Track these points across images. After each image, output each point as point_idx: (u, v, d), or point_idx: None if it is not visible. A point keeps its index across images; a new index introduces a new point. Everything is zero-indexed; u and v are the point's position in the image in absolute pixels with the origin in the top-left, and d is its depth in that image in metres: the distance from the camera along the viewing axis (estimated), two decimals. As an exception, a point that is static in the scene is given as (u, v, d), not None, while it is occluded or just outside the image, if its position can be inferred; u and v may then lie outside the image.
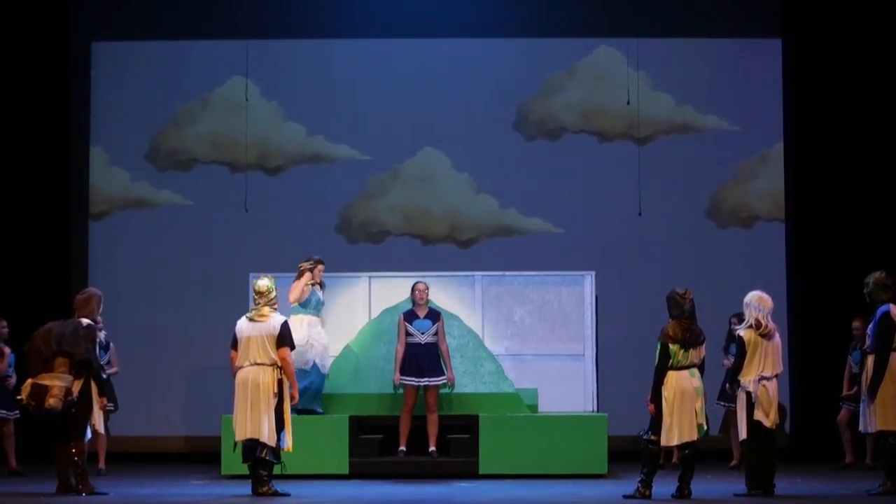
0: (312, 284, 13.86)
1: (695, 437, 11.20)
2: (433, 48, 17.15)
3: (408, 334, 13.57)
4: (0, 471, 14.14)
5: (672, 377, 11.20)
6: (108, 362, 14.18)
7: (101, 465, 14.12)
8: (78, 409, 11.47)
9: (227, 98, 17.01)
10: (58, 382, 11.34)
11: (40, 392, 11.33)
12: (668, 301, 11.43)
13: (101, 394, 11.76)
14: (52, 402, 11.30)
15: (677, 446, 11.28)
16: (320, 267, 13.99)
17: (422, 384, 13.47)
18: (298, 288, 13.76)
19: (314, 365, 13.66)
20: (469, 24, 17.01)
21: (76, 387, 11.43)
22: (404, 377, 13.48)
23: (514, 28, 17.04)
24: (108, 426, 14.35)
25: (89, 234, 16.90)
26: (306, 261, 13.96)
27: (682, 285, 11.55)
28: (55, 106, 16.62)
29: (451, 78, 17.03)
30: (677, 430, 11.14)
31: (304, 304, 13.82)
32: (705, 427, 11.37)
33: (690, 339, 11.26)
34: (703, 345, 11.41)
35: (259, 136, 16.98)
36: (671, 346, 11.21)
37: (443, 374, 13.58)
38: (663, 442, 11.21)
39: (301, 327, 13.50)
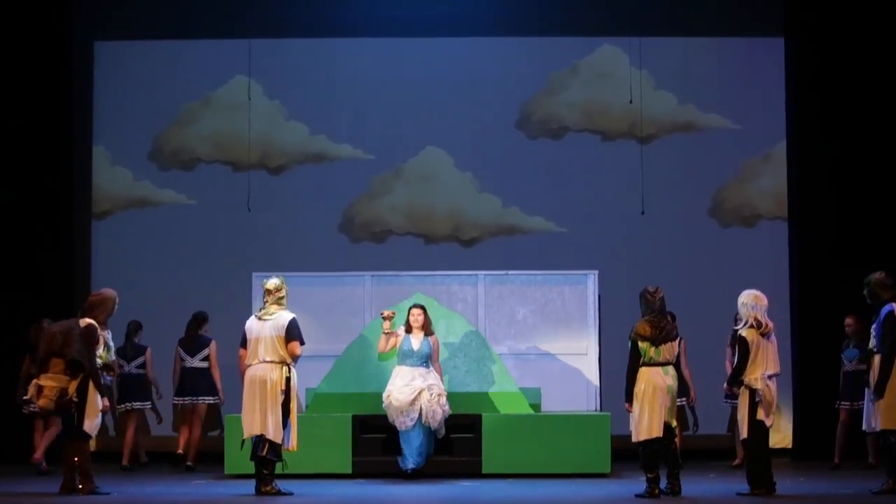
0: (408, 331, 13.49)
1: (661, 433, 11.18)
2: (436, 47, 17.15)
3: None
4: (18, 469, 14.20)
5: (644, 373, 11.25)
6: (143, 364, 14.93)
7: (143, 459, 14.97)
8: (77, 410, 11.46)
9: (229, 97, 17.02)
10: (51, 383, 11.35)
11: (39, 392, 11.39)
12: (640, 299, 11.50)
13: (101, 395, 11.72)
14: (42, 402, 11.38)
15: (645, 441, 11.23)
16: (413, 312, 13.46)
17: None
18: (381, 340, 13.54)
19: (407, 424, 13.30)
20: (471, 23, 17.00)
21: (72, 387, 11.40)
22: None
23: (517, 27, 17.04)
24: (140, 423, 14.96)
25: (92, 234, 16.89)
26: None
27: (653, 284, 11.62)
28: (58, 105, 16.59)
29: (454, 77, 17.02)
30: (646, 426, 11.15)
31: (400, 356, 13.47)
32: (674, 424, 11.35)
33: (661, 336, 11.30)
34: (677, 342, 11.47)
35: (262, 135, 16.99)
36: (640, 343, 11.27)
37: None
38: (633, 438, 11.24)
39: (392, 379, 13.39)
